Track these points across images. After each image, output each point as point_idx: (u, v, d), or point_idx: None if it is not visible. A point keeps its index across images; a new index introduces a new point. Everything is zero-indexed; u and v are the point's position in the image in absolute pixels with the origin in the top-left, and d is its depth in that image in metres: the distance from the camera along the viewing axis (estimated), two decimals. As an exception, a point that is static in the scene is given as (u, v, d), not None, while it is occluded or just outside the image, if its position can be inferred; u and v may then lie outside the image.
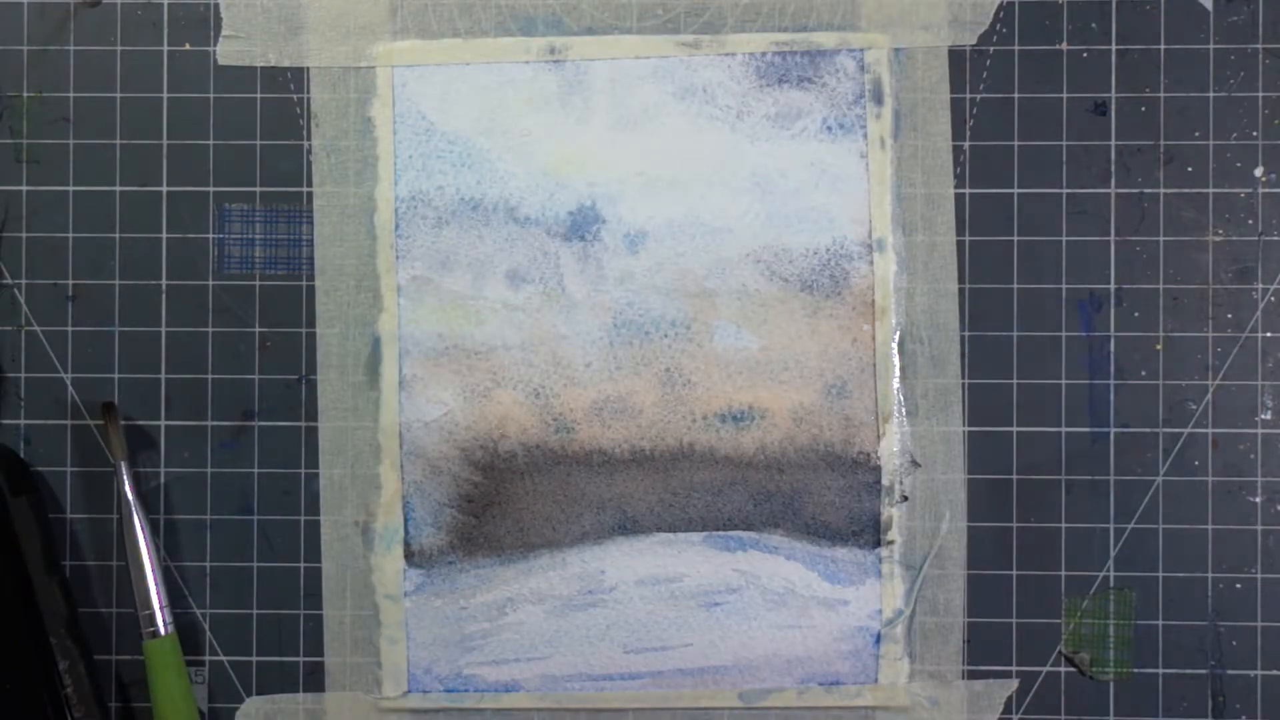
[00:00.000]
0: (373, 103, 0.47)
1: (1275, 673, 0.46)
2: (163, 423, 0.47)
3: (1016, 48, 0.47)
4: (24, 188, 0.47)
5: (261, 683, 0.47)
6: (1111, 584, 0.46)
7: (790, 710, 0.47)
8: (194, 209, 0.47)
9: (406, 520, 0.47)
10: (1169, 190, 0.47)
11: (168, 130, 0.47)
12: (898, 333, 0.46)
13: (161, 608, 0.45)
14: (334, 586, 0.47)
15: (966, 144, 0.47)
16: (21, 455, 0.47)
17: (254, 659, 0.47)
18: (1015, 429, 0.47)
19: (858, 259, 0.47)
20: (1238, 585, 0.46)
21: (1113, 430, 0.46)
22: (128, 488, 0.45)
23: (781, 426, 0.46)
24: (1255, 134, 0.47)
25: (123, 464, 0.45)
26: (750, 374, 0.46)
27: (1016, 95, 0.47)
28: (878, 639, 0.46)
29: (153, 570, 0.45)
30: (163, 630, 0.45)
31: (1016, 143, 0.47)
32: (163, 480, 0.47)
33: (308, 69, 0.47)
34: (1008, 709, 0.46)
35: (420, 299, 0.47)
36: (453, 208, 0.47)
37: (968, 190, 0.47)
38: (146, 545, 0.45)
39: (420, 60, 0.47)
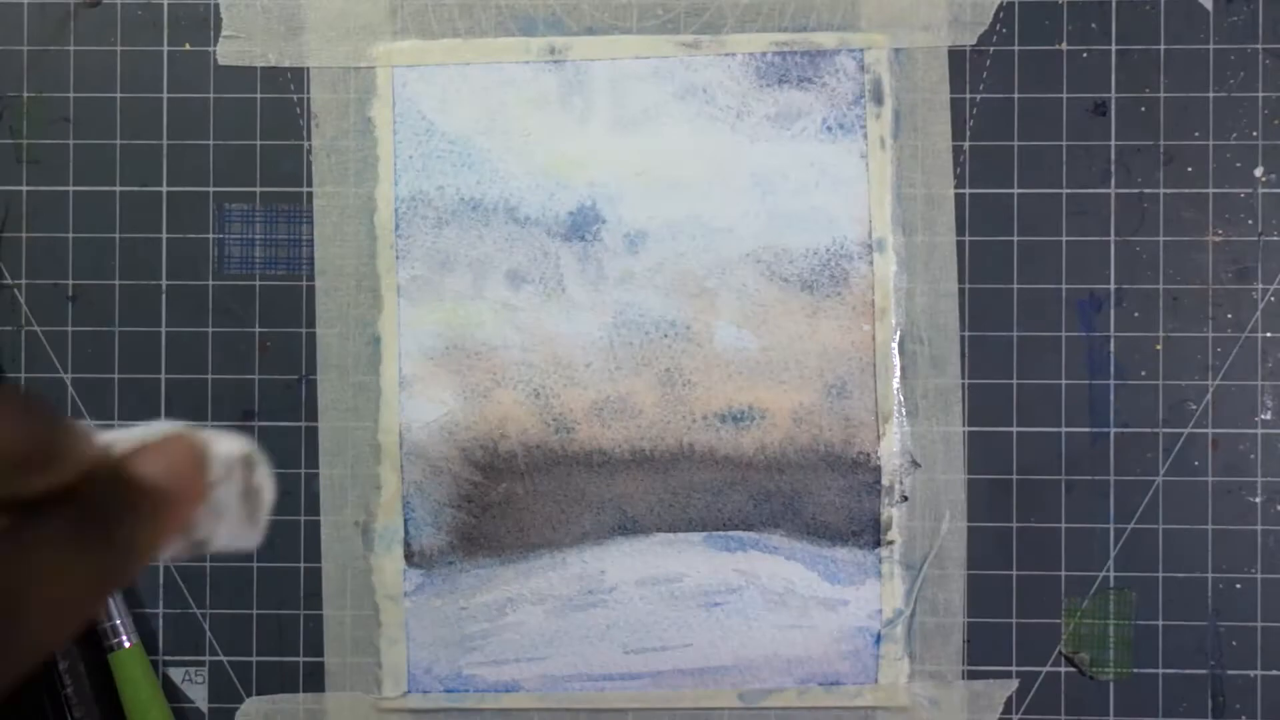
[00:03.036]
0: (373, 103, 0.47)
1: (1275, 673, 0.46)
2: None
3: (1016, 48, 0.47)
4: (24, 188, 0.47)
5: (261, 683, 0.47)
6: (1111, 584, 0.46)
7: (790, 710, 0.47)
8: (194, 209, 0.47)
9: (406, 520, 0.47)
10: (1169, 190, 0.47)
11: (168, 130, 0.47)
12: (898, 333, 0.46)
13: (121, 619, 0.45)
14: (334, 586, 0.47)
15: (966, 144, 0.47)
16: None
17: (254, 659, 0.47)
18: (1015, 429, 0.47)
19: (858, 259, 0.47)
20: (1238, 585, 0.46)
21: (1113, 430, 0.46)
22: None
23: (781, 426, 0.46)
24: (1255, 134, 0.47)
25: None
26: (750, 374, 0.46)
27: (1016, 95, 0.47)
28: (878, 639, 0.46)
29: None
30: (126, 642, 0.45)
31: (1016, 143, 0.47)
32: (163, 480, 0.47)
33: (308, 69, 0.47)
34: (1008, 709, 0.46)
35: (420, 299, 0.47)
36: (453, 208, 0.47)
37: (968, 190, 0.47)
38: None
39: (420, 60, 0.47)
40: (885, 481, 0.46)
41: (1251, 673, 0.46)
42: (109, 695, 0.46)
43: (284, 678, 0.47)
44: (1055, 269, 0.47)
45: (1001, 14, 0.47)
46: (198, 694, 0.47)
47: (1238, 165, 0.47)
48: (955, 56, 0.47)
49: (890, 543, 0.46)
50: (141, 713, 0.45)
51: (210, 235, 0.47)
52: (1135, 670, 0.46)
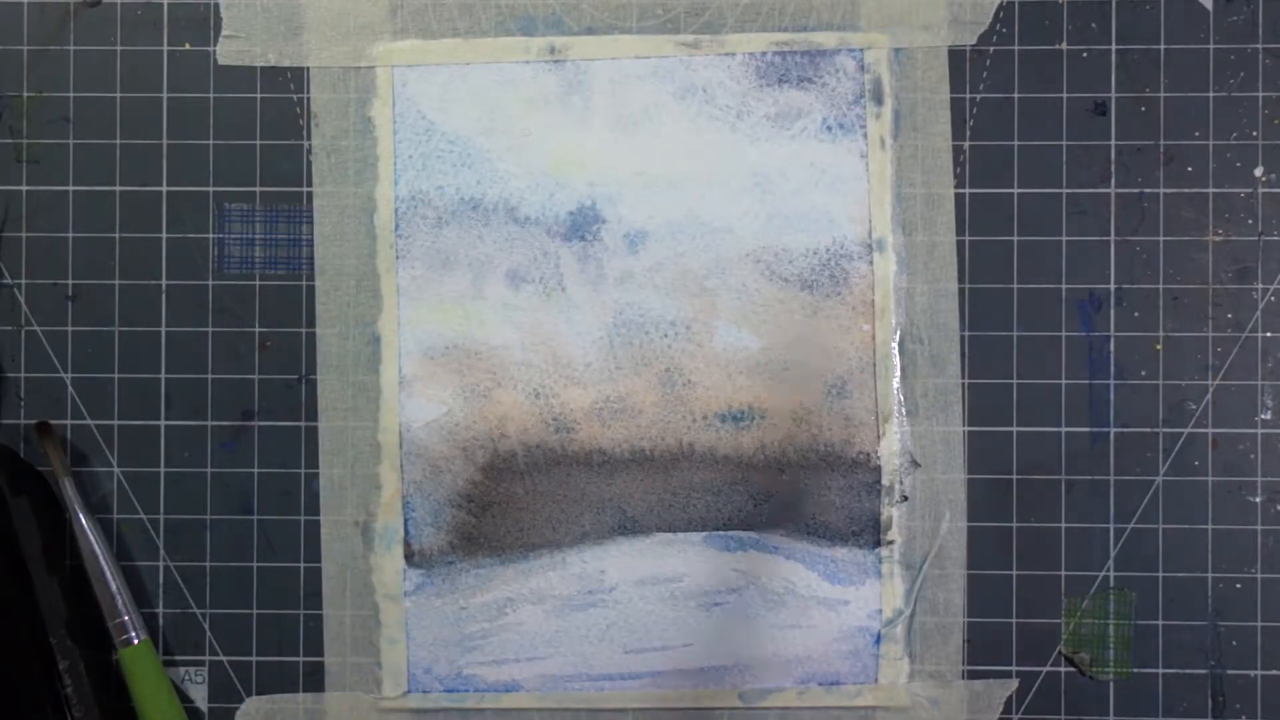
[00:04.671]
0: (373, 103, 0.47)
1: (1275, 673, 0.46)
2: (163, 423, 0.47)
3: (1016, 48, 0.47)
4: (24, 188, 0.47)
5: (261, 683, 0.47)
6: (1111, 584, 0.46)
7: (790, 710, 0.47)
8: (194, 209, 0.47)
9: (406, 520, 0.47)
10: (1169, 190, 0.47)
11: (168, 130, 0.47)
12: (898, 333, 0.46)
13: (130, 615, 0.45)
14: (334, 586, 0.47)
15: (966, 144, 0.47)
16: (21, 455, 0.47)
17: (254, 659, 0.47)
18: (1015, 429, 0.47)
19: (858, 259, 0.47)
20: (1238, 585, 0.46)
21: (1113, 430, 0.46)
22: (77, 506, 0.45)
23: (781, 426, 0.46)
24: (1255, 134, 0.47)
25: (67, 481, 0.45)
26: (750, 374, 0.46)
27: (1016, 95, 0.47)
28: (878, 639, 0.46)
29: (114, 580, 0.45)
30: (135, 639, 0.45)
31: (1016, 143, 0.47)
32: (162, 480, 0.47)
33: (308, 69, 0.47)
34: (1008, 709, 0.46)
35: (420, 299, 0.47)
36: (453, 208, 0.47)
37: (968, 190, 0.47)
38: (104, 558, 0.45)
39: (420, 60, 0.47)
40: (885, 481, 0.46)
41: (1251, 673, 0.46)
42: (109, 695, 0.46)
43: (284, 678, 0.47)
44: (1055, 269, 0.47)
45: (1001, 14, 0.47)
46: (198, 694, 0.47)
47: (1238, 165, 0.47)
48: (955, 56, 0.47)
49: (890, 543, 0.46)
50: (155, 708, 0.45)
51: (210, 235, 0.47)
52: (1135, 670, 0.46)
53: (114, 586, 0.45)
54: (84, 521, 0.45)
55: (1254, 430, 0.46)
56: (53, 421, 0.47)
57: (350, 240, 0.47)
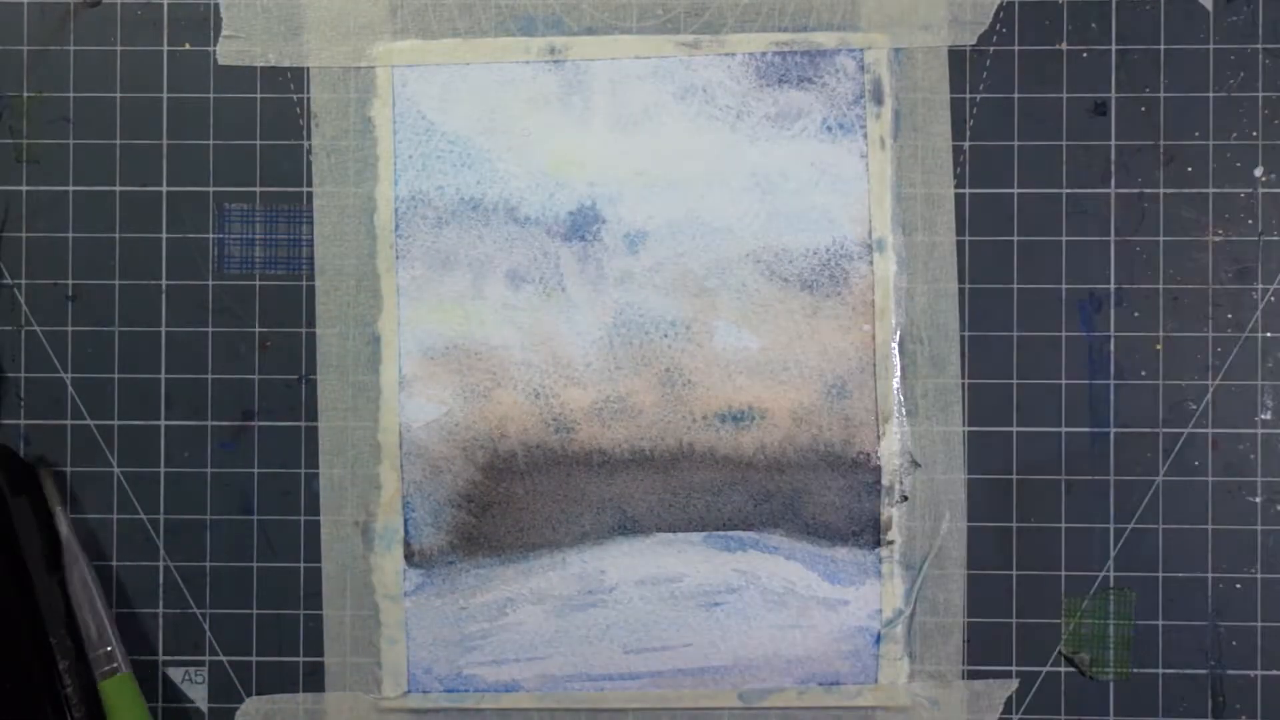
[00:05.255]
0: (373, 103, 0.47)
1: (1275, 673, 0.46)
2: (163, 423, 0.47)
3: (1016, 48, 0.47)
4: (24, 188, 0.47)
5: (261, 683, 0.47)
6: (1111, 584, 0.46)
7: (790, 710, 0.47)
8: (194, 209, 0.47)
9: (406, 520, 0.47)
10: (1169, 190, 0.47)
11: (168, 130, 0.47)
12: (898, 333, 0.46)
13: (114, 647, 0.45)
14: (334, 586, 0.47)
15: (966, 144, 0.47)
16: (21, 455, 0.47)
17: (254, 659, 0.47)
18: (1015, 429, 0.47)
19: (858, 259, 0.47)
20: (1238, 585, 0.46)
21: (1113, 430, 0.47)
22: (67, 532, 0.45)
23: (781, 426, 0.46)
24: (1255, 134, 0.47)
25: (59, 510, 0.45)
26: (750, 374, 0.46)
27: (1016, 95, 0.47)
28: (878, 639, 0.46)
29: (104, 610, 0.45)
30: (118, 670, 0.45)
31: (1016, 143, 0.47)
32: (162, 480, 0.47)
33: (308, 69, 0.47)
34: (1008, 709, 0.46)
35: (420, 299, 0.47)
36: (453, 208, 0.47)
37: (968, 190, 0.47)
38: (95, 587, 0.45)
39: (420, 60, 0.47)
40: (885, 481, 0.46)
41: (1251, 673, 0.46)
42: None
43: (284, 678, 0.47)
44: (1055, 269, 0.47)
45: (1001, 14, 0.47)
46: (198, 694, 0.47)
47: (1238, 165, 0.47)
48: (955, 56, 0.47)
49: (890, 543, 0.46)
50: None
51: (210, 235, 0.47)
52: (1135, 670, 0.46)
53: (106, 616, 0.45)
54: (78, 553, 0.45)
55: (1254, 430, 0.46)
56: (52, 421, 0.47)
57: (350, 240, 0.47)
